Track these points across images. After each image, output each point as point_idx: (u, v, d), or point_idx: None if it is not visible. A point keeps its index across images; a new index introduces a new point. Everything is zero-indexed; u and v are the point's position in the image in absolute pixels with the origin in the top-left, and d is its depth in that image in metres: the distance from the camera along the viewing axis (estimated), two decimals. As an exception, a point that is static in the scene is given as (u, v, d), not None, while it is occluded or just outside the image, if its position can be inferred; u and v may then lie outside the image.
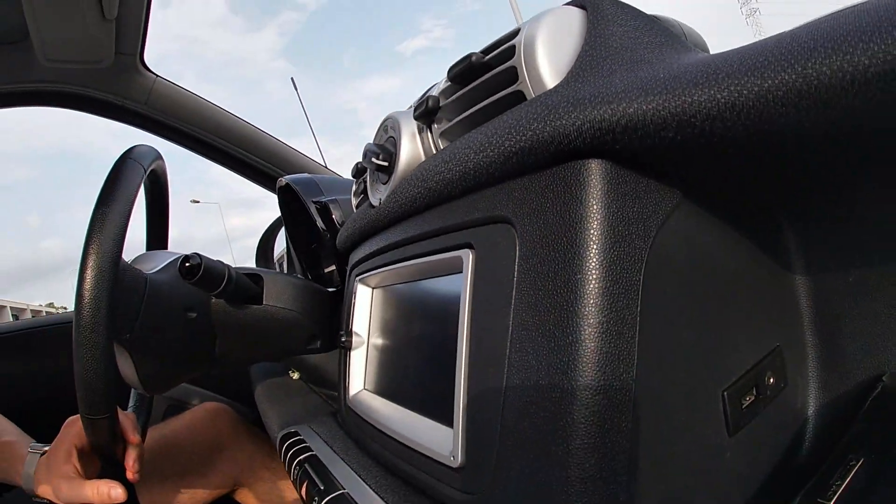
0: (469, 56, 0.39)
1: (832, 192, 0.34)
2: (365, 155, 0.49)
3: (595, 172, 0.28)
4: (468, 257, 0.35)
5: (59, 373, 1.24)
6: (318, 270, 1.07)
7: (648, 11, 0.38)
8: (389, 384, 0.50)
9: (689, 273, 0.31)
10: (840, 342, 0.38)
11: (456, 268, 0.37)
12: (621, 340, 0.27)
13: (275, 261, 1.64)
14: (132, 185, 0.58)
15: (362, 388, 0.56)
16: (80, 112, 1.26)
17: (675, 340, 0.30)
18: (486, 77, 0.38)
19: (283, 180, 0.90)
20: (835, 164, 0.29)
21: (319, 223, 0.79)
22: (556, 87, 0.33)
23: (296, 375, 0.96)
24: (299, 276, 1.05)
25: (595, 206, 0.28)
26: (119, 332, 0.60)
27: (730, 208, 0.34)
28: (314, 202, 0.79)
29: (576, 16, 0.35)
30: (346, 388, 0.58)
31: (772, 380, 0.36)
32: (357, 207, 0.65)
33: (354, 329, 0.57)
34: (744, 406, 0.33)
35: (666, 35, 0.35)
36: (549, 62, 0.33)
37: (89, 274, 0.52)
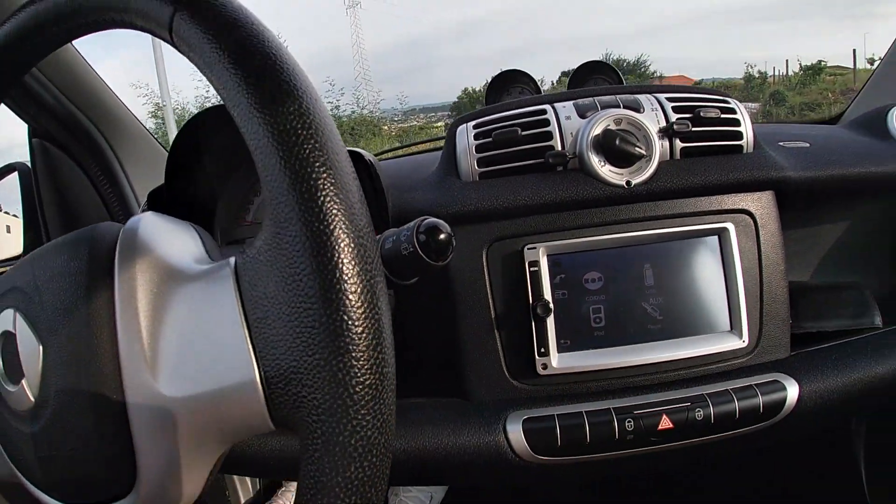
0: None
1: None
2: (619, 140, 0.58)
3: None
4: (732, 229, 0.61)
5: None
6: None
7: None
8: (598, 335, 0.60)
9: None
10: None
11: (704, 234, 0.61)
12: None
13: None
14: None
15: (559, 352, 0.60)
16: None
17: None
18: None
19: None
20: None
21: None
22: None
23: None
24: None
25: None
26: None
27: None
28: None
29: None
30: (538, 359, 0.59)
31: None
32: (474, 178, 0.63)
33: (546, 297, 0.59)
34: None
35: None
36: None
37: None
